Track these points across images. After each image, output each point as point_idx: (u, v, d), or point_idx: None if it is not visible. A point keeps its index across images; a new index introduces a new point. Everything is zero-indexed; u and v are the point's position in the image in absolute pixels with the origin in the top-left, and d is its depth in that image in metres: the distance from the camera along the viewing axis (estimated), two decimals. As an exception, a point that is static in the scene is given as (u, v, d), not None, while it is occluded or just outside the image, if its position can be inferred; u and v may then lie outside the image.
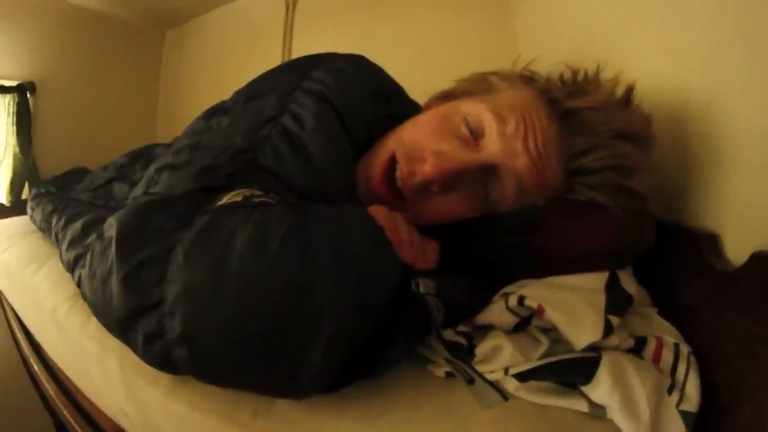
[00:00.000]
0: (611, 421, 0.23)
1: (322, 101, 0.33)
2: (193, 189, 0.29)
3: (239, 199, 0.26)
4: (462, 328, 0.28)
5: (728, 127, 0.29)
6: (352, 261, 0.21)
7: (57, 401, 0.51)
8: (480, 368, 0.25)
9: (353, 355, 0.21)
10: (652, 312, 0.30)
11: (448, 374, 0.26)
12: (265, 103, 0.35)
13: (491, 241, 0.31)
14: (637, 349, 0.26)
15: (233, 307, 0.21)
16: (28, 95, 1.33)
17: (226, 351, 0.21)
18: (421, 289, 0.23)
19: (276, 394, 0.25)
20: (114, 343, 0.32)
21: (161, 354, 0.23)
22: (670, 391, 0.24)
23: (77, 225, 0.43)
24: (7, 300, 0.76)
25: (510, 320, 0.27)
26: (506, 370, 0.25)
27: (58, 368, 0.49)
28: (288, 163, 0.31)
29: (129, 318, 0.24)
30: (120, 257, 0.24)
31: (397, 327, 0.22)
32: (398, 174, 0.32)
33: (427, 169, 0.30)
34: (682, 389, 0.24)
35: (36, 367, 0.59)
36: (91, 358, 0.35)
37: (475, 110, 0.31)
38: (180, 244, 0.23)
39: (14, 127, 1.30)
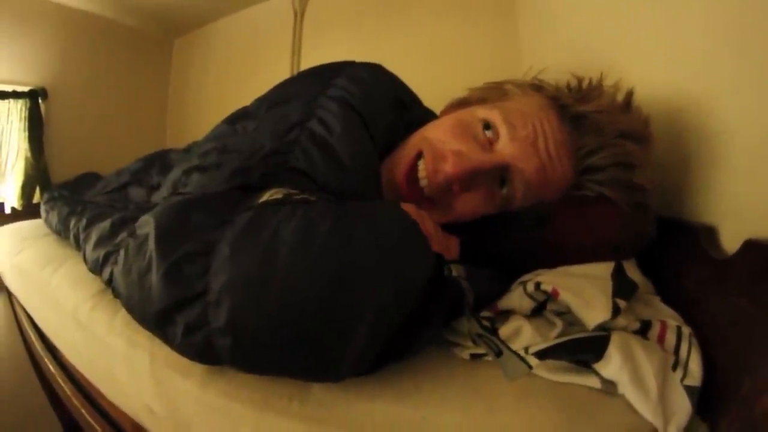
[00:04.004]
0: (622, 397, 0.25)
1: (348, 107, 0.35)
2: (232, 188, 0.30)
3: (280, 196, 0.28)
4: (485, 313, 0.30)
5: (722, 128, 0.32)
6: (391, 252, 0.23)
7: (75, 401, 0.50)
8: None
9: (392, 337, 0.23)
10: (656, 299, 0.32)
11: (473, 356, 0.28)
12: (290, 109, 0.37)
13: (508, 235, 0.34)
14: (642, 331, 0.28)
15: (281, 296, 0.22)
16: (40, 101, 1.37)
17: (271, 338, 0.22)
18: (454, 273, 0.25)
19: (316, 378, 0.25)
20: (143, 339, 0.33)
21: (202, 344, 0.24)
22: (674, 368, 0.26)
23: (105, 224, 0.44)
24: (19, 302, 0.76)
25: (528, 305, 0.29)
26: (526, 350, 0.27)
27: (75, 369, 0.49)
28: (319, 164, 0.32)
29: (169, 310, 0.24)
30: (160, 253, 0.25)
31: (430, 310, 0.24)
32: (421, 174, 0.34)
33: (448, 168, 0.32)
34: (686, 366, 0.26)
35: (51, 367, 0.58)
36: (117, 356, 0.35)
37: (490, 116, 0.33)
38: (223, 239, 0.24)
39: (26, 132, 1.33)
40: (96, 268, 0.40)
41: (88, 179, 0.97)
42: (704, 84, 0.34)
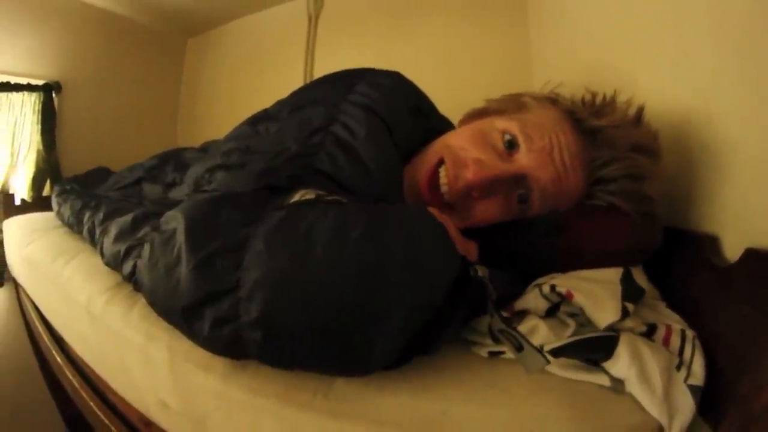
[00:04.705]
0: (629, 395, 0.27)
1: (371, 113, 0.37)
2: (259, 188, 0.31)
3: (312, 196, 0.28)
4: (503, 313, 0.31)
5: (725, 142, 0.34)
6: (421, 252, 0.24)
7: (83, 394, 0.50)
8: (522, 343, 0.29)
9: (418, 333, 0.24)
10: (661, 305, 0.34)
11: (491, 354, 0.29)
12: (312, 113, 0.38)
13: (523, 241, 0.35)
14: (648, 333, 0.30)
15: (314, 292, 0.22)
16: (54, 94, 1.38)
17: (302, 333, 0.23)
18: (479, 273, 0.27)
19: (344, 372, 0.26)
20: (161, 333, 0.33)
21: (229, 337, 0.24)
22: (678, 368, 0.27)
23: (126, 219, 0.44)
24: (26, 293, 0.77)
25: (543, 305, 0.31)
26: (541, 347, 0.28)
27: (84, 362, 0.50)
28: (344, 167, 0.33)
29: (198, 304, 0.25)
30: (190, 247, 0.26)
31: (455, 308, 0.26)
32: (442, 180, 0.36)
33: (468, 175, 0.34)
34: (689, 367, 0.27)
35: (59, 360, 0.58)
36: (133, 349, 0.35)
37: (509, 127, 0.35)
38: (256, 236, 0.24)
39: (39, 125, 1.34)
40: (116, 262, 0.40)
41: (99, 174, 0.99)
42: (710, 99, 0.36)
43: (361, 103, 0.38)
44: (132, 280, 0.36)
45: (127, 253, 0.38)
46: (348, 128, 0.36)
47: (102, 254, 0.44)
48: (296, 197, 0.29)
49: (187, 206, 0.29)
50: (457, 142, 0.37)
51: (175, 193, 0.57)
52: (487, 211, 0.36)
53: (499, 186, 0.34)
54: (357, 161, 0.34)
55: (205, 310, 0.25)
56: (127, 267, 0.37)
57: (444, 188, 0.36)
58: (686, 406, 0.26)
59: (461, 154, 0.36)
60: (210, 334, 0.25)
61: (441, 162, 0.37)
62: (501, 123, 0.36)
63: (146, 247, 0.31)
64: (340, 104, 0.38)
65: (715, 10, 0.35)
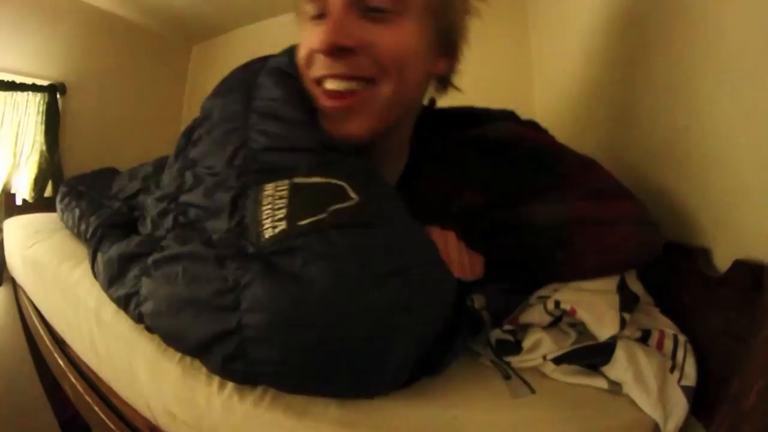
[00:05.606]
0: (626, 397, 0.28)
1: (280, 74, 0.36)
2: (229, 224, 0.29)
3: (285, 188, 0.28)
4: (508, 327, 0.33)
5: (717, 161, 0.36)
6: (420, 289, 0.25)
7: (87, 398, 0.49)
8: (525, 356, 0.31)
9: (420, 361, 0.26)
10: (655, 311, 0.36)
11: (494, 362, 0.31)
12: (224, 135, 0.35)
13: (530, 254, 0.35)
14: (643, 338, 0.32)
15: (322, 333, 0.23)
16: (58, 96, 1.38)
17: (316, 369, 0.24)
18: (476, 305, 0.29)
19: (358, 395, 0.27)
20: None
21: (242, 372, 0.26)
22: (672, 370, 0.29)
23: (112, 260, 0.40)
24: (26, 295, 0.76)
25: (547, 319, 0.32)
26: (544, 357, 0.30)
27: (86, 365, 0.49)
28: (277, 133, 0.32)
29: (206, 344, 0.27)
30: (186, 292, 0.27)
31: (454, 335, 0.27)
32: (331, 86, 0.33)
33: (326, 40, 0.31)
34: (682, 369, 0.29)
35: (60, 361, 0.57)
36: (143, 357, 0.35)
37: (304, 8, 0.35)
38: (249, 272, 0.25)
39: (43, 126, 1.34)
40: (119, 305, 0.38)
41: (107, 174, 0.97)
42: (703, 119, 0.38)
43: (267, 100, 0.36)
44: (144, 325, 0.35)
45: (127, 302, 0.37)
46: (262, 125, 0.34)
47: (105, 291, 0.41)
48: (269, 190, 0.28)
49: (170, 259, 0.30)
50: (302, 52, 0.36)
51: (153, 227, 0.44)
52: (382, 36, 0.32)
53: (350, 15, 0.32)
54: (282, 122, 0.33)
55: (214, 348, 0.26)
56: (134, 314, 0.36)
57: (334, 84, 0.33)
58: (680, 405, 0.28)
59: (312, 55, 0.34)
60: (223, 367, 0.27)
61: (319, 81, 0.34)
62: (299, 19, 0.36)
63: (142, 293, 0.33)
64: (248, 119, 0.35)
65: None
